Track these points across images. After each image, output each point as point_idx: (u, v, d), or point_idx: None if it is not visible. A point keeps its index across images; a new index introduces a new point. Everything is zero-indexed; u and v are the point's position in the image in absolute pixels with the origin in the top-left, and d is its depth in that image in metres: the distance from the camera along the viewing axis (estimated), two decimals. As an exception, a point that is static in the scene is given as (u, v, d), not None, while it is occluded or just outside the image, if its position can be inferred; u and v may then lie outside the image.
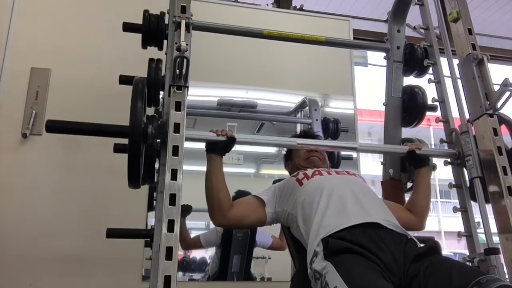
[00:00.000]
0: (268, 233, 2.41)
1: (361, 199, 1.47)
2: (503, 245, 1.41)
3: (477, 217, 1.54)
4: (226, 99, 2.69)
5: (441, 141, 1.74)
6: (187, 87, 1.45)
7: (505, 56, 4.05)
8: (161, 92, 1.56)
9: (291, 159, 1.87)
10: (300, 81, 2.79)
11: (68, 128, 1.46)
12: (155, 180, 1.44)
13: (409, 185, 1.95)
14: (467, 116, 1.65)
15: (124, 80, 1.61)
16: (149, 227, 1.84)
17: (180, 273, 2.39)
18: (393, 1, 2.03)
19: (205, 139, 1.54)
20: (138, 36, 1.67)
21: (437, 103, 1.82)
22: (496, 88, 1.52)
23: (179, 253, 2.26)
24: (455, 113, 1.73)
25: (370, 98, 5.45)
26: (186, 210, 2.20)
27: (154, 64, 1.60)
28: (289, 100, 2.84)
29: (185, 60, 1.40)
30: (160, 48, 1.70)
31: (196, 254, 2.48)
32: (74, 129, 1.47)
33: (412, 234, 1.43)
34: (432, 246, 1.35)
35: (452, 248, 10.73)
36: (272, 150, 2.77)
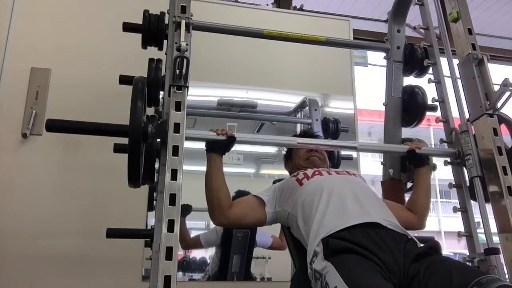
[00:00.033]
0: (268, 233, 2.41)
1: (361, 199, 1.47)
2: (503, 245, 1.41)
3: (477, 217, 1.54)
4: (226, 99, 2.69)
5: (441, 141, 1.74)
6: (187, 87, 1.45)
7: (505, 56, 4.05)
8: (161, 92, 1.56)
9: (291, 159, 1.87)
10: (300, 81, 2.79)
11: (68, 127, 1.46)
12: (155, 180, 1.44)
13: (409, 185, 1.95)
14: (467, 116, 1.65)
15: (124, 80, 1.61)
16: (149, 227, 1.84)
17: (180, 273, 2.39)
18: (393, 1, 2.03)
19: (205, 138, 1.54)
20: (138, 36, 1.67)
21: (437, 103, 1.82)
22: (496, 88, 1.52)
23: (179, 253, 2.26)
24: (455, 113, 1.73)
25: (370, 98, 5.45)
26: (186, 209, 2.20)
27: (154, 64, 1.60)
28: (289, 100, 2.84)
29: (185, 60, 1.40)
30: (160, 48, 1.70)
31: (196, 254, 2.48)
32: (74, 128, 1.47)
33: (412, 234, 1.43)
34: (432, 246, 1.35)
35: (452, 248, 10.74)
36: (272, 150, 2.77)
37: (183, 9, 1.57)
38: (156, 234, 1.28)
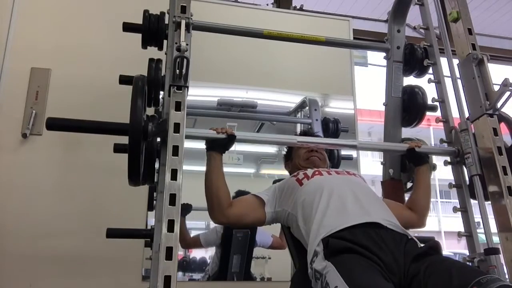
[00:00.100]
0: (268, 232, 2.41)
1: (361, 199, 1.47)
2: (503, 245, 1.41)
3: (477, 217, 1.54)
4: (226, 99, 2.69)
5: (441, 141, 1.74)
6: (187, 87, 1.45)
7: (505, 56, 4.05)
8: (161, 92, 1.56)
9: (291, 159, 1.87)
10: (300, 81, 2.79)
11: (69, 126, 1.46)
12: (155, 180, 1.44)
13: (409, 185, 1.95)
14: (467, 116, 1.65)
15: (124, 80, 1.60)
16: (149, 227, 1.84)
17: (180, 273, 2.39)
18: (393, 1, 2.03)
19: (205, 137, 1.55)
20: (138, 36, 1.67)
21: (437, 103, 1.82)
22: (496, 88, 1.52)
23: (179, 253, 2.26)
24: (455, 113, 1.73)
25: (370, 98, 5.45)
26: (186, 209, 2.20)
27: (154, 64, 1.60)
28: (289, 100, 2.84)
29: (185, 60, 1.40)
30: (160, 48, 1.70)
31: (196, 254, 2.48)
32: (74, 127, 1.47)
33: (412, 234, 1.43)
34: (432, 246, 1.35)
35: (452, 248, 10.74)
36: (272, 150, 2.77)
37: (183, 9, 1.57)
38: (156, 234, 1.28)
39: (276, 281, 2.43)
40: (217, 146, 1.54)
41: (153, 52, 1.69)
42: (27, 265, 2.09)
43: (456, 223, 1.73)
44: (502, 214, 1.43)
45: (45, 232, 2.14)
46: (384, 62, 2.07)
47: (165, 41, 1.66)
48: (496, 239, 1.44)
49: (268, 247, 2.45)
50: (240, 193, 2.05)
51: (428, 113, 1.97)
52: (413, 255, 1.28)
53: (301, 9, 3.11)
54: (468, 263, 1.50)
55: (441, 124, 1.78)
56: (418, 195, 1.70)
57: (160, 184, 1.34)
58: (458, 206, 1.63)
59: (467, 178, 1.63)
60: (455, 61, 1.71)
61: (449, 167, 1.69)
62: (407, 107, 1.99)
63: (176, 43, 1.44)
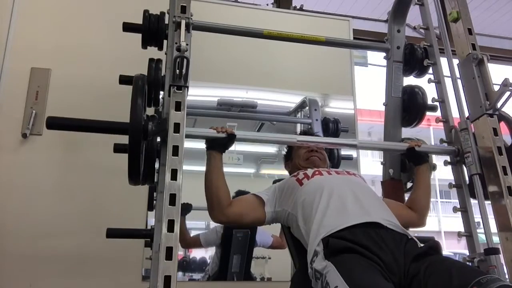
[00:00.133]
0: (268, 232, 2.42)
1: (361, 199, 1.47)
2: (503, 245, 1.41)
3: (477, 217, 1.54)
4: (226, 99, 2.69)
5: (441, 141, 1.74)
6: (187, 87, 1.45)
7: (505, 56, 4.05)
8: (161, 92, 1.56)
9: (291, 159, 1.87)
10: (300, 81, 2.79)
11: (69, 125, 1.46)
12: (155, 180, 1.44)
13: (409, 185, 1.95)
14: (467, 116, 1.65)
15: (124, 80, 1.60)
16: (149, 227, 1.84)
17: (180, 273, 2.39)
18: (393, 1, 2.03)
19: (205, 136, 1.55)
20: (138, 36, 1.67)
21: (437, 103, 1.82)
22: (496, 88, 1.52)
23: (179, 253, 2.26)
24: (455, 113, 1.73)
25: (370, 98, 5.45)
26: (186, 208, 2.20)
27: (154, 64, 1.60)
28: (289, 100, 2.84)
29: (185, 60, 1.40)
30: (160, 48, 1.70)
31: (196, 254, 2.48)
32: (74, 126, 1.48)
33: (412, 234, 1.43)
34: (432, 246, 1.35)
35: (452, 248, 10.74)
36: (272, 150, 2.77)
37: (183, 9, 1.57)
38: (156, 234, 1.29)
39: (276, 281, 2.43)
40: (217, 145, 1.54)
41: (153, 52, 1.69)
42: (27, 265, 2.09)
43: (456, 223, 1.73)
44: (502, 214, 1.43)
45: (45, 232, 2.14)
46: (384, 62, 2.07)
47: (165, 41, 1.66)
48: (496, 239, 1.44)
49: (268, 247, 2.45)
50: (240, 193, 2.05)
51: (428, 113, 1.97)
52: (413, 255, 1.28)
53: (301, 9, 3.12)
54: (468, 263, 1.50)
55: (441, 124, 1.78)
56: (418, 194, 1.70)
57: (160, 184, 1.34)
58: (458, 206, 1.63)
59: (467, 178, 1.63)
60: (455, 61, 1.71)
61: (449, 167, 1.69)
62: (407, 107, 1.99)
63: (176, 43, 1.44)
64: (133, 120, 1.27)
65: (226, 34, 1.96)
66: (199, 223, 2.49)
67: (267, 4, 3.16)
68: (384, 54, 2.06)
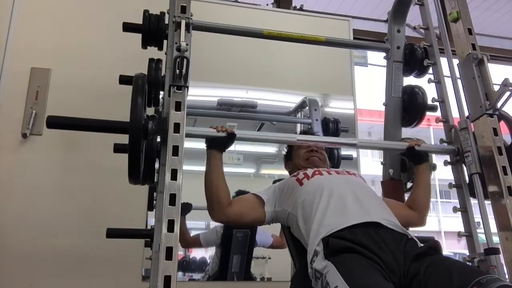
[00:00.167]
0: (268, 232, 2.42)
1: (361, 199, 1.47)
2: (503, 245, 1.41)
3: (477, 217, 1.54)
4: (226, 99, 2.69)
5: (441, 141, 1.74)
6: (187, 87, 1.45)
7: (505, 56, 4.05)
8: (161, 92, 1.56)
9: (291, 159, 1.87)
10: (300, 81, 2.79)
11: (69, 124, 1.45)
12: (155, 180, 1.44)
13: (409, 185, 1.95)
14: (466, 115, 1.65)
15: (124, 80, 1.60)
16: (149, 227, 1.84)
17: (180, 273, 2.39)
18: (393, 1, 2.03)
19: (205, 135, 1.55)
20: (138, 36, 1.67)
21: (437, 103, 1.82)
22: (496, 88, 1.52)
23: (179, 253, 2.26)
24: (455, 113, 1.73)
25: (370, 98, 5.45)
26: (186, 208, 2.19)
27: (154, 64, 1.60)
28: (289, 100, 2.84)
29: (185, 60, 1.40)
30: (160, 48, 1.70)
31: (196, 254, 2.48)
32: (74, 125, 1.47)
33: (412, 234, 1.43)
34: (432, 245, 1.35)
35: (452, 248, 10.74)
36: (272, 150, 2.77)
37: (183, 9, 1.57)
38: (156, 234, 1.29)
39: (276, 281, 2.43)
40: (217, 145, 1.54)
41: (153, 52, 1.69)
42: (27, 265, 2.09)
43: (456, 223, 1.73)
44: (502, 214, 1.43)
45: (45, 232, 2.14)
46: (384, 62, 2.07)
47: (165, 41, 1.66)
48: (496, 239, 1.44)
49: (268, 247, 2.45)
50: (240, 193, 2.06)
51: (428, 113, 1.97)
52: (413, 254, 1.28)
53: (301, 9, 3.12)
54: (468, 263, 1.50)
55: (441, 124, 1.78)
56: (418, 193, 1.70)
57: (160, 184, 1.34)
58: (458, 206, 1.63)
59: (466, 178, 1.63)
60: (455, 61, 1.71)
61: (449, 167, 1.69)
62: (407, 107, 1.99)
63: (176, 43, 1.44)
64: (133, 119, 1.27)
65: (226, 34, 1.96)
66: (199, 223, 2.49)
67: (267, 4, 3.16)
68: (384, 54, 2.06)
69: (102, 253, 2.12)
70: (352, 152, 2.66)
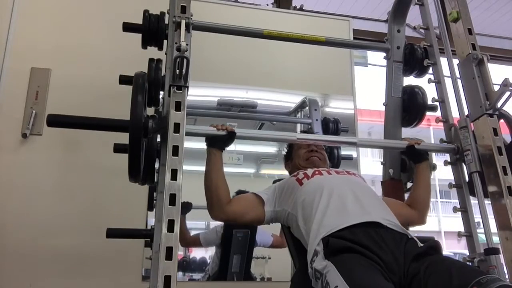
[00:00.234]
0: (268, 232, 2.42)
1: (361, 199, 1.47)
2: (503, 245, 1.41)
3: (477, 217, 1.54)
4: (226, 99, 2.69)
5: (441, 140, 1.74)
6: (187, 87, 1.45)
7: (505, 56, 4.05)
8: (161, 92, 1.56)
9: (291, 159, 1.87)
10: (300, 81, 2.79)
11: (69, 122, 1.46)
12: (155, 180, 1.44)
13: (409, 185, 1.95)
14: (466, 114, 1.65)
15: (124, 80, 1.61)
16: (149, 227, 1.84)
17: (180, 273, 2.39)
18: (393, 1, 2.03)
19: (205, 134, 1.55)
20: (138, 36, 1.67)
21: (437, 103, 1.82)
22: (496, 88, 1.52)
23: (179, 253, 2.26)
24: (455, 113, 1.73)
25: (370, 98, 5.45)
26: (186, 207, 2.19)
27: (154, 64, 1.60)
28: (289, 100, 2.84)
29: (185, 60, 1.40)
30: (160, 48, 1.70)
31: (196, 254, 2.48)
32: (75, 123, 1.48)
33: (412, 234, 1.43)
34: (432, 245, 1.35)
35: (452, 248, 10.74)
36: (272, 150, 2.77)
37: (183, 9, 1.57)
38: (156, 234, 1.28)
39: (276, 281, 2.43)
40: (217, 143, 1.54)
41: (153, 52, 1.69)
42: (27, 265, 2.09)
43: (456, 223, 1.73)
44: (502, 214, 1.43)
45: (45, 232, 2.14)
46: (384, 62, 2.07)
47: (165, 41, 1.66)
48: (496, 239, 1.44)
49: (269, 247, 2.45)
50: (240, 193, 2.05)
51: (428, 113, 1.97)
52: (413, 254, 1.28)
53: (301, 9, 3.12)
54: (468, 263, 1.50)
55: (441, 124, 1.78)
56: (418, 192, 1.71)
57: (160, 184, 1.34)
58: (458, 206, 1.63)
59: (466, 177, 1.63)
60: (455, 61, 1.71)
61: (449, 168, 1.69)
62: (407, 107, 1.99)
63: (176, 43, 1.44)
64: (134, 117, 1.27)
65: (226, 34, 1.96)
66: (199, 223, 2.49)
67: (267, 4, 3.16)
68: (384, 54, 2.06)
69: (102, 253, 2.12)
70: (352, 152, 2.66)
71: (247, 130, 1.77)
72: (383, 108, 2.05)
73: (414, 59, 1.95)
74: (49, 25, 2.44)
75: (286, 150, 1.97)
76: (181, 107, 1.39)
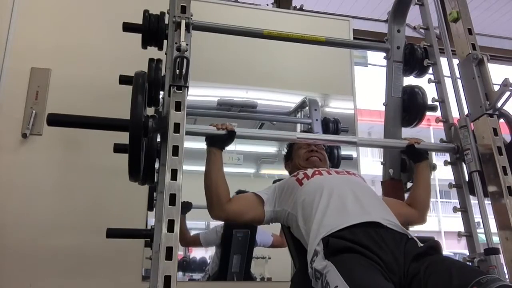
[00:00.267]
0: (268, 232, 2.42)
1: (361, 199, 1.47)
2: (503, 245, 1.41)
3: (477, 217, 1.54)
4: (226, 99, 2.69)
5: (441, 140, 1.75)
6: (187, 87, 1.45)
7: (505, 56, 4.05)
8: (161, 92, 1.56)
9: (291, 159, 1.87)
10: (300, 81, 2.79)
11: (69, 122, 1.46)
12: (155, 180, 1.44)
13: (409, 185, 1.95)
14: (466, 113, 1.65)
15: (124, 80, 1.61)
16: (149, 227, 1.84)
17: (180, 273, 2.39)
18: (393, 1, 2.03)
19: (205, 133, 1.55)
20: (138, 36, 1.67)
21: (437, 103, 1.82)
22: (496, 88, 1.52)
23: (179, 253, 2.26)
24: (455, 113, 1.74)
25: (370, 98, 5.45)
26: (186, 207, 2.19)
27: (154, 64, 1.60)
28: (289, 100, 2.84)
29: (185, 60, 1.40)
30: (160, 48, 1.70)
31: (196, 254, 2.48)
32: (75, 123, 1.48)
33: (412, 234, 1.43)
34: (432, 245, 1.35)
35: (452, 248, 10.73)
36: (272, 150, 2.77)
37: (183, 9, 1.57)
38: (156, 234, 1.29)
39: (276, 281, 2.43)
40: (217, 142, 1.54)
41: (153, 52, 1.69)
42: (27, 265, 2.09)
43: (456, 223, 1.73)
44: (502, 214, 1.43)
45: (45, 232, 2.14)
46: (384, 62, 2.07)
47: (165, 41, 1.66)
48: (496, 239, 1.44)
49: (269, 246, 2.45)
50: (240, 193, 2.05)
51: (428, 113, 1.97)
52: (413, 254, 1.28)
53: (301, 9, 3.12)
54: (468, 263, 1.50)
55: (441, 124, 1.78)
56: (418, 191, 1.71)
57: (160, 184, 1.34)
58: (458, 206, 1.63)
59: (466, 177, 1.63)
60: (455, 61, 1.71)
61: (449, 168, 1.69)
62: (407, 107, 1.99)
63: (176, 43, 1.44)
64: (134, 116, 1.27)
65: (226, 34, 1.96)
66: (199, 223, 2.49)
67: (267, 4, 3.16)
68: (384, 54, 2.06)
69: (102, 253, 2.12)
70: (352, 152, 2.66)
71: (247, 129, 1.77)
72: (383, 108, 2.05)
73: (414, 59, 1.95)
74: (49, 25, 2.44)
75: (286, 150, 1.97)
76: (181, 107, 1.39)
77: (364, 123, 10.52)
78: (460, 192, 1.64)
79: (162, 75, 1.57)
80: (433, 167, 1.80)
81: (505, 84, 1.46)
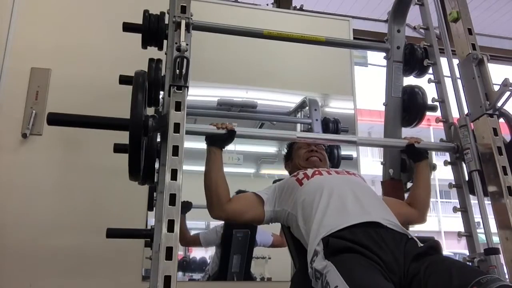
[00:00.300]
0: (268, 231, 2.42)
1: (361, 199, 1.47)
2: (503, 245, 1.41)
3: (477, 217, 1.54)
4: (226, 99, 2.69)
5: (441, 140, 1.75)
6: (187, 87, 1.45)
7: (505, 56, 4.05)
8: (161, 92, 1.56)
9: (291, 159, 1.87)
10: (300, 81, 2.79)
11: (69, 121, 1.46)
12: (155, 180, 1.44)
13: (409, 185, 1.95)
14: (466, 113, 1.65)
15: (124, 80, 1.61)
16: (149, 227, 1.84)
17: (180, 273, 2.39)
18: (393, 1, 2.03)
19: (205, 132, 1.55)
20: (138, 36, 1.67)
21: (437, 103, 1.82)
22: (496, 88, 1.52)
23: (179, 253, 2.26)
24: (455, 113, 1.74)
25: (370, 98, 5.45)
26: (186, 206, 2.19)
27: (154, 64, 1.60)
28: (289, 100, 2.84)
29: (185, 60, 1.40)
30: (160, 48, 1.70)
31: (196, 254, 2.48)
32: (75, 122, 1.48)
33: (412, 234, 1.43)
34: (432, 245, 1.35)
35: (452, 248, 10.73)
36: (272, 150, 2.77)
37: (183, 9, 1.57)
38: (156, 234, 1.29)
39: (276, 281, 2.43)
40: (217, 141, 1.54)
41: (153, 52, 1.69)
42: (27, 265, 2.09)
43: (456, 223, 1.73)
44: (502, 214, 1.43)
45: (45, 232, 2.14)
46: (384, 62, 2.07)
47: (165, 41, 1.66)
48: (496, 239, 1.44)
49: (269, 246, 2.45)
50: (240, 193, 2.05)
51: (428, 113, 1.97)
52: (413, 254, 1.28)
53: (301, 9, 3.12)
54: (468, 263, 1.50)
55: (441, 124, 1.78)
56: (418, 191, 1.71)
57: (160, 184, 1.34)
58: (458, 206, 1.63)
59: (466, 176, 1.63)
60: (455, 61, 1.71)
61: (449, 168, 1.69)
62: (407, 107, 1.99)
63: (176, 43, 1.44)
64: (134, 115, 1.27)
65: (226, 34, 1.96)
66: (199, 223, 2.49)
67: (267, 4, 3.16)
68: (384, 54, 2.06)
69: (102, 253, 2.12)
70: (352, 152, 2.66)
71: (247, 128, 1.77)
72: (383, 108, 2.05)
73: (414, 59, 1.95)
74: (49, 25, 2.44)
75: (286, 150, 1.97)
76: (181, 107, 1.39)
77: (364, 123, 10.52)
78: (460, 192, 1.64)
79: (162, 75, 1.57)
80: (433, 167, 1.81)
81: (505, 84, 1.46)
